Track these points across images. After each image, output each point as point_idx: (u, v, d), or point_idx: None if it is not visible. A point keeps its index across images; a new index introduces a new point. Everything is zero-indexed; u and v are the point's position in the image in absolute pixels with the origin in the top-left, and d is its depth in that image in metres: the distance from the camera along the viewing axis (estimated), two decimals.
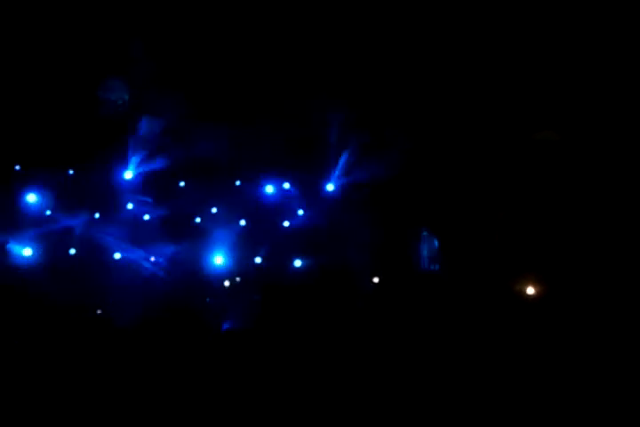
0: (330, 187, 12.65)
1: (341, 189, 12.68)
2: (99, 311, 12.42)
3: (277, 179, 12.72)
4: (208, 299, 12.70)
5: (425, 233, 12.65)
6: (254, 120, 12.09)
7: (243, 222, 12.76)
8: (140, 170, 12.56)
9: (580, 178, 11.79)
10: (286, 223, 12.76)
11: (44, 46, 12.05)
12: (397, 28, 11.80)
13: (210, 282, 12.69)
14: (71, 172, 12.66)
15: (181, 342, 12.01)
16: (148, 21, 12.06)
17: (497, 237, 11.89)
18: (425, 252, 12.53)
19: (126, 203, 12.69)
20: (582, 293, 11.48)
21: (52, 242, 12.52)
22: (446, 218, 12.46)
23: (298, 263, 12.72)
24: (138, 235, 12.69)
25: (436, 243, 12.46)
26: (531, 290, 11.90)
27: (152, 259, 12.69)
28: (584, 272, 11.54)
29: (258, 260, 12.75)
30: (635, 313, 11.20)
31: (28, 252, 12.40)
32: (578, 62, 11.60)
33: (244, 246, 12.78)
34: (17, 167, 12.57)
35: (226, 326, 12.25)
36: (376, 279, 12.68)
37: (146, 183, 12.67)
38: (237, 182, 12.78)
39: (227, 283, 12.82)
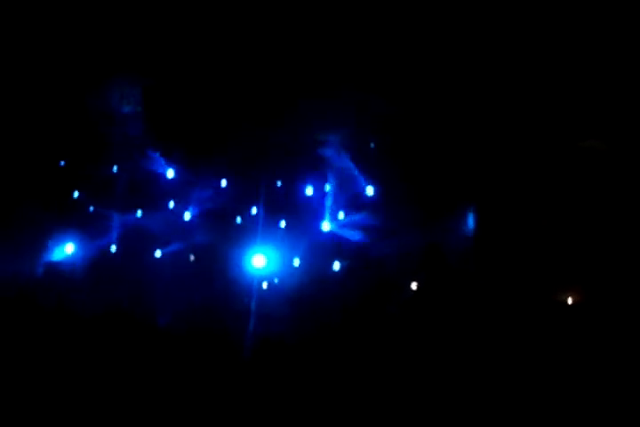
0: (369, 190, 12.60)
1: (380, 192, 12.63)
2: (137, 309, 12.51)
3: (317, 180, 12.67)
4: (246, 299, 12.70)
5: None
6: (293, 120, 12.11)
7: (282, 224, 12.75)
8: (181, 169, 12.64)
9: (625, 187, 11.62)
10: (326, 226, 12.71)
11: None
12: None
13: (247, 283, 12.69)
14: (114, 168, 12.78)
15: (216, 345, 12.06)
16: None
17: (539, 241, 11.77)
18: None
19: (167, 202, 12.76)
20: (623, 303, 11.32)
21: (94, 239, 12.64)
22: (489, 224, 12.33)
23: (336, 266, 12.66)
24: (178, 234, 12.76)
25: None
26: (570, 298, 11.74)
27: (192, 258, 12.75)
28: (626, 282, 11.37)
29: (296, 262, 12.71)
30: None
31: (70, 249, 12.54)
32: (625, 72, 11.44)
33: (282, 248, 12.76)
34: (62, 163, 12.72)
35: (257, 328, 12.26)
36: (414, 285, 12.59)
37: (186, 182, 12.73)
38: (278, 183, 12.78)
39: (264, 285, 12.81)
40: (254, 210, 12.80)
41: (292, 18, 11.99)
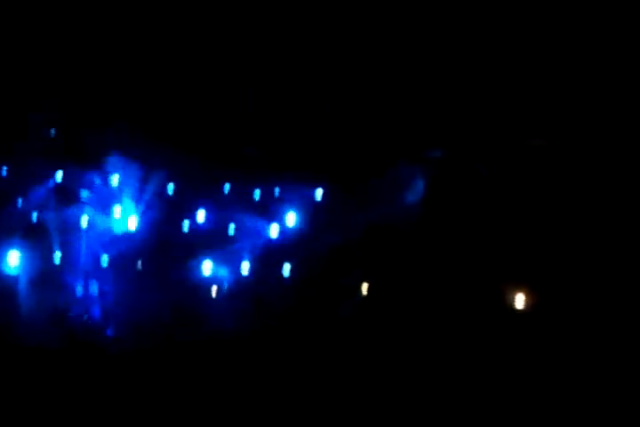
0: (319, 193, 12.60)
1: (331, 195, 12.64)
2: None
3: (267, 184, 12.61)
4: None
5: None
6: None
7: (231, 229, 12.65)
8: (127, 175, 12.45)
9: (569, 183, 11.88)
10: (274, 229, 12.66)
11: None
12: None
13: (200, 289, 12.57)
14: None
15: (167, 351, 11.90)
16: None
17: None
18: None
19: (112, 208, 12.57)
20: (576, 302, 11.51)
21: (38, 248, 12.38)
22: (437, 225, 12.44)
23: (286, 269, 12.63)
24: (124, 241, 12.57)
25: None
26: (523, 299, 11.90)
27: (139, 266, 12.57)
28: (576, 278, 11.56)
29: (245, 267, 12.62)
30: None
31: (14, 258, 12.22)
32: (565, 76, 11.75)
33: (231, 253, 12.66)
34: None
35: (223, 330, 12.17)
36: (365, 286, 12.62)
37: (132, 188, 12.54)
38: (226, 187, 12.69)
39: (214, 290, 12.70)
40: (201, 215, 12.68)
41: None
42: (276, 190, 12.63)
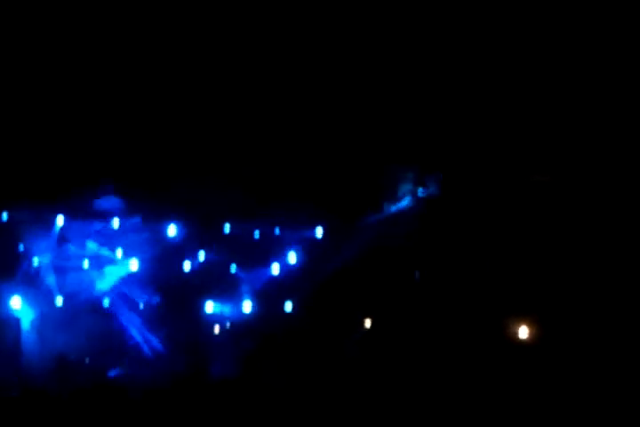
0: (319, 231, 12.57)
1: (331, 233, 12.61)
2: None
3: (267, 223, 12.59)
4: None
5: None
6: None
7: (233, 268, 12.66)
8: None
9: (573, 217, 11.89)
10: (275, 269, 12.66)
11: None
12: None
13: (202, 327, 12.61)
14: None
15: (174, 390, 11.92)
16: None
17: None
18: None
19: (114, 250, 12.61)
20: (577, 337, 11.51)
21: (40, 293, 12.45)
22: (440, 257, 12.42)
23: (288, 307, 12.63)
24: (126, 282, 12.62)
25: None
26: (525, 332, 11.89)
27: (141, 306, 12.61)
28: (580, 315, 11.57)
29: (247, 305, 12.64)
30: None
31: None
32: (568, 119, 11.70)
33: (233, 292, 12.69)
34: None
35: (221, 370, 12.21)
36: (368, 323, 12.61)
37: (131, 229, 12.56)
38: (226, 227, 12.67)
39: (217, 329, 12.73)
40: (202, 255, 12.68)
41: None
42: (276, 230, 12.61)
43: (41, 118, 12.02)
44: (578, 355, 11.48)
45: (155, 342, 12.56)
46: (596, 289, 11.65)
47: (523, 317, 12.01)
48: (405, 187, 12.46)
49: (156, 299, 12.58)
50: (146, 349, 12.55)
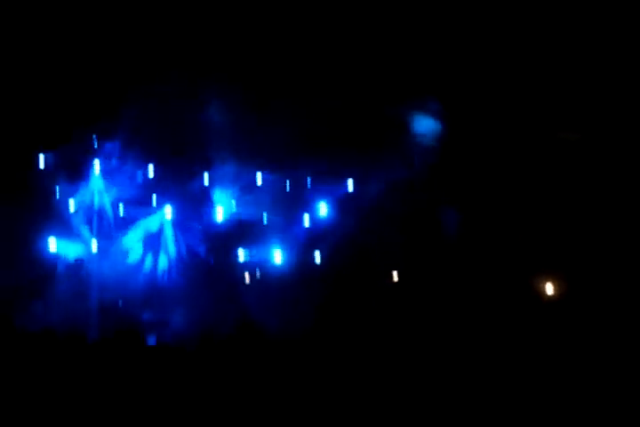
0: (350, 184, 12.75)
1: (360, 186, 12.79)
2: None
3: (298, 174, 12.77)
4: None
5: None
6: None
7: (265, 217, 12.86)
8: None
9: (599, 176, 11.89)
10: (307, 219, 12.85)
11: None
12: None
13: (230, 275, 12.83)
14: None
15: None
16: None
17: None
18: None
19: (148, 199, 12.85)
20: (599, 292, 11.59)
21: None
22: (468, 214, 12.53)
23: (317, 257, 12.83)
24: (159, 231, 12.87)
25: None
26: (549, 288, 12.00)
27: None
28: (603, 271, 11.62)
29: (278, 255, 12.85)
30: None
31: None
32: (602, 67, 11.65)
33: (262, 241, 12.89)
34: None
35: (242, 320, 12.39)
36: (395, 275, 12.79)
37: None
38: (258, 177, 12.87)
39: (247, 277, 12.96)
40: (234, 204, 12.90)
41: None
42: (308, 181, 12.80)
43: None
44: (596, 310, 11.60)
45: (188, 288, 12.79)
46: (622, 249, 11.73)
47: (546, 273, 12.14)
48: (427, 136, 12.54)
49: (189, 246, 12.83)
50: (178, 294, 12.79)
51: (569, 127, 12.09)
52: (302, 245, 12.89)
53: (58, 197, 12.57)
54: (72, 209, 12.58)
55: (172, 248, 12.83)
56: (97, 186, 12.64)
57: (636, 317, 11.27)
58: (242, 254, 12.85)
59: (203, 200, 12.89)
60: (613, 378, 10.41)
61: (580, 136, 12.10)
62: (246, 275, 12.93)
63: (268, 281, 12.93)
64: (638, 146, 11.81)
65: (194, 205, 12.88)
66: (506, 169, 12.30)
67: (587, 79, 11.64)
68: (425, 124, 12.53)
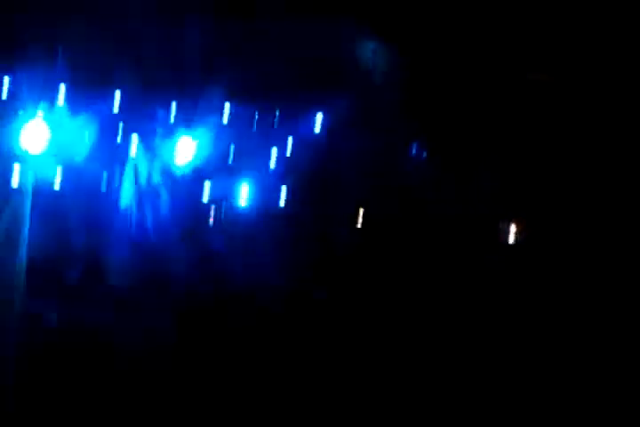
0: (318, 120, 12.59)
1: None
2: None
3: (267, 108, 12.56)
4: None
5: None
6: None
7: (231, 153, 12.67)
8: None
9: (572, 121, 11.84)
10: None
11: None
12: None
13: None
14: None
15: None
16: None
17: None
18: None
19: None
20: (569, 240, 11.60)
21: None
22: (434, 159, 12.47)
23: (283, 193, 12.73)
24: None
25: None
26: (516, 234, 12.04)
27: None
28: (573, 218, 11.65)
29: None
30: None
31: None
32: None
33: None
34: None
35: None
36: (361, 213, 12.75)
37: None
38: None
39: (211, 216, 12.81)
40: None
41: None
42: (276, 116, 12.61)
43: None
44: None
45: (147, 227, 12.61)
46: (591, 198, 11.69)
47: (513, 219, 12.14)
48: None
49: (151, 182, 12.62)
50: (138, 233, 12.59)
51: (539, 68, 12.00)
52: (269, 183, 12.77)
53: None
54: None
55: (132, 183, 12.59)
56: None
57: None
58: (206, 193, 12.67)
59: (167, 132, 12.63)
60: None
61: (551, 78, 12.03)
62: (211, 212, 12.80)
63: (232, 222, 12.81)
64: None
65: (158, 138, 12.61)
66: (471, 107, 12.20)
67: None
68: (379, 60, 12.35)
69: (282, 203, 12.58)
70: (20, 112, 11.89)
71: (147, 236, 12.45)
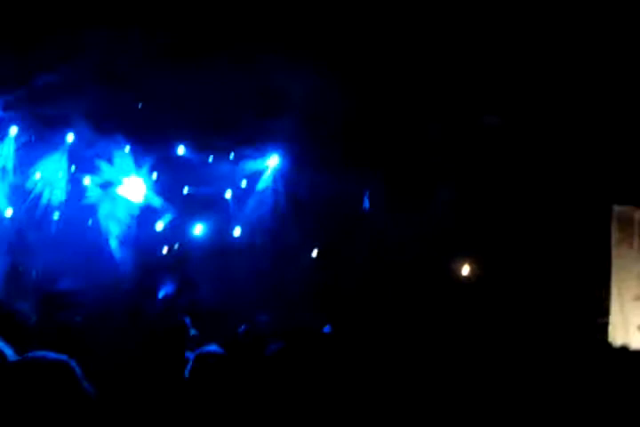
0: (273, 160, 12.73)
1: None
2: None
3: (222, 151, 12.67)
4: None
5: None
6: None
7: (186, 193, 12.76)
8: None
9: (522, 162, 12.02)
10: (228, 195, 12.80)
11: None
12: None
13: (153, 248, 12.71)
14: None
15: None
16: None
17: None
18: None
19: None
20: (519, 278, 11.74)
21: None
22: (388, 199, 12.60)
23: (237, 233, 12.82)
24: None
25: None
26: (468, 272, 12.21)
27: None
28: (523, 259, 11.80)
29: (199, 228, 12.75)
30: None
31: None
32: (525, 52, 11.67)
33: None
34: None
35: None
36: (315, 253, 12.86)
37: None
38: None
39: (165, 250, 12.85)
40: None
41: None
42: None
43: None
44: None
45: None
46: (543, 234, 11.79)
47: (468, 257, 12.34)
48: None
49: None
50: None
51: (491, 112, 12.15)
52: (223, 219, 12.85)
53: None
54: None
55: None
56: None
57: None
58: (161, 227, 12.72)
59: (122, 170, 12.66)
60: None
61: (502, 121, 12.19)
62: (165, 248, 12.85)
63: (187, 254, 12.86)
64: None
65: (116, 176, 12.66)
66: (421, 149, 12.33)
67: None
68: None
69: (236, 237, 12.70)
70: None
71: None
